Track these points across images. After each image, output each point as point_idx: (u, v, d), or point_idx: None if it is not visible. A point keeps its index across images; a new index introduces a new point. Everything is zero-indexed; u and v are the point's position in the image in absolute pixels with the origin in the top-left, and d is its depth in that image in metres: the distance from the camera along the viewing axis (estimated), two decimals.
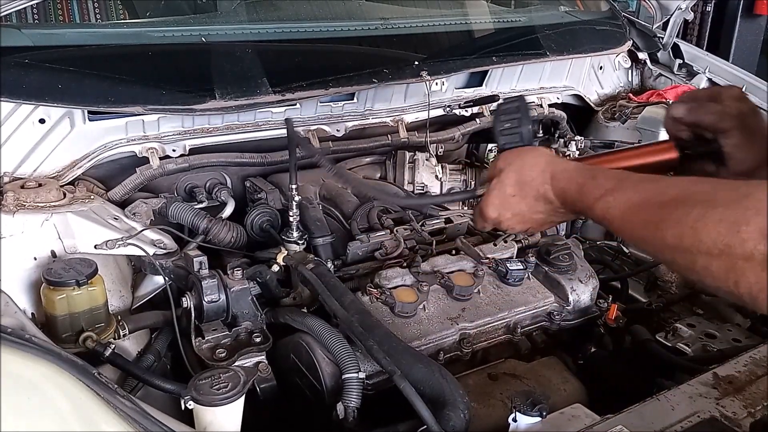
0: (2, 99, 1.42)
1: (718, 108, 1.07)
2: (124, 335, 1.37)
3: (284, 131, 1.71)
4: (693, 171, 1.13)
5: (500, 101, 1.23)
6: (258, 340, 1.38)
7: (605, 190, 0.97)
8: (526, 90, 2.27)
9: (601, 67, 2.46)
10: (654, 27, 2.52)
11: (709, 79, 2.41)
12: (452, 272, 1.61)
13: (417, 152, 2.00)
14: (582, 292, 1.66)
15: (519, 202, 1.12)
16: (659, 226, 0.85)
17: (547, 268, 1.69)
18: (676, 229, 0.82)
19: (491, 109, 2.16)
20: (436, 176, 1.99)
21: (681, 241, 0.81)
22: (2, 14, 1.38)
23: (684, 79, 2.47)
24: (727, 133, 1.07)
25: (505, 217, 1.15)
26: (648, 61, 2.54)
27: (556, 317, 1.61)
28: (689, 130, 1.12)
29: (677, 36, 2.51)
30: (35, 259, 1.35)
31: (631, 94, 2.44)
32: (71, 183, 1.57)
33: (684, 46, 2.53)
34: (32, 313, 1.31)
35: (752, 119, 1.07)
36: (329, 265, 1.57)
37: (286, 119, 1.56)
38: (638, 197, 0.92)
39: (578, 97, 2.41)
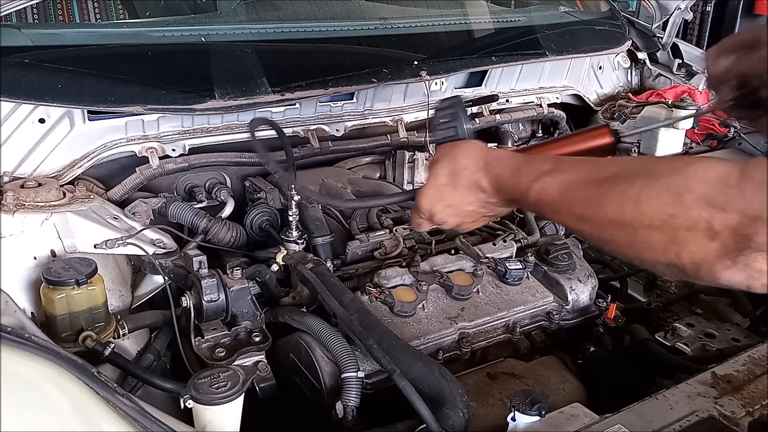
0: (2, 99, 1.43)
1: (758, 61, 1.03)
2: (123, 334, 1.37)
3: (284, 131, 1.72)
4: (736, 118, 1.10)
5: (438, 101, 1.25)
6: (257, 339, 1.38)
7: (541, 172, 0.95)
8: (526, 90, 2.28)
9: (600, 67, 2.46)
10: (653, 27, 2.52)
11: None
12: (451, 272, 1.61)
13: (416, 152, 2.00)
14: (581, 291, 1.66)
15: (452, 192, 1.09)
16: (599, 201, 0.84)
17: (546, 268, 1.69)
18: (618, 202, 0.81)
19: (490, 108, 2.17)
20: None
21: (622, 214, 0.80)
22: (2, 14, 1.38)
23: (683, 79, 2.47)
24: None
25: (437, 209, 1.12)
26: (647, 61, 2.55)
27: (555, 317, 1.62)
28: (735, 80, 1.08)
29: (677, 36, 2.51)
30: (35, 258, 1.35)
31: (630, 94, 2.45)
32: (71, 182, 1.57)
33: (683, 46, 2.53)
34: (32, 313, 1.32)
35: None
36: (329, 264, 1.57)
37: (251, 120, 1.55)
38: (577, 176, 0.90)
39: (578, 96, 2.41)
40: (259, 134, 1.75)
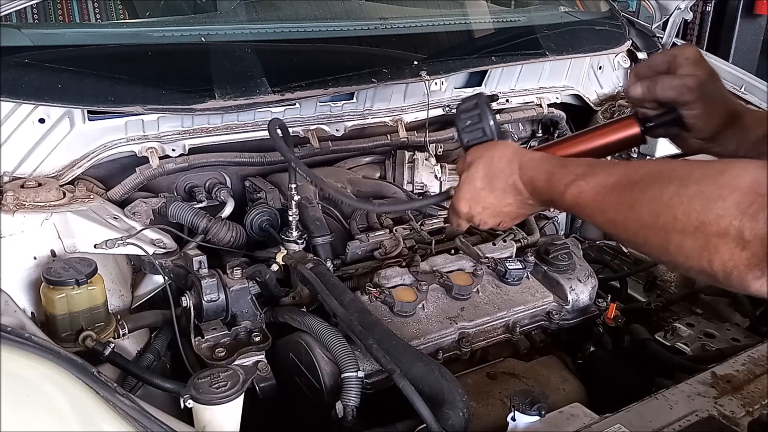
0: (2, 99, 1.42)
1: (676, 82, 1.08)
2: (123, 334, 1.37)
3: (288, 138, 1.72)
4: (658, 137, 1.14)
5: (459, 102, 1.23)
6: (257, 339, 1.38)
7: (575, 176, 0.96)
8: (526, 90, 2.27)
9: (600, 67, 2.46)
10: (653, 27, 2.52)
11: None
12: (451, 272, 1.62)
13: (416, 152, 2.00)
14: (581, 291, 1.67)
15: (489, 195, 1.11)
16: (633, 206, 0.85)
17: (546, 268, 1.69)
18: (651, 207, 0.82)
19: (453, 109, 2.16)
20: (436, 176, 1.99)
21: (656, 219, 0.81)
22: (2, 14, 1.38)
23: None
24: (689, 105, 1.08)
25: (476, 211, 1.14)
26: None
27: (555, 317, 1.62)
28: (651, 105, 1.13)
29: (677, 36, 2.51)
30: (35, 258, 1.35)
31: None
32: (71, 182, 1.57)
33: None
34: (32, 313, 1.32)
35: (711, 86, 1.08)
36: (328, 264, 1.57)
37: (270, 120, 1.55)
38: (611, 179, 0.91)
39: (577, 96, 2.41)
40: (259, 134, 1.77)
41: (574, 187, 0.95)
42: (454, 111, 2.08)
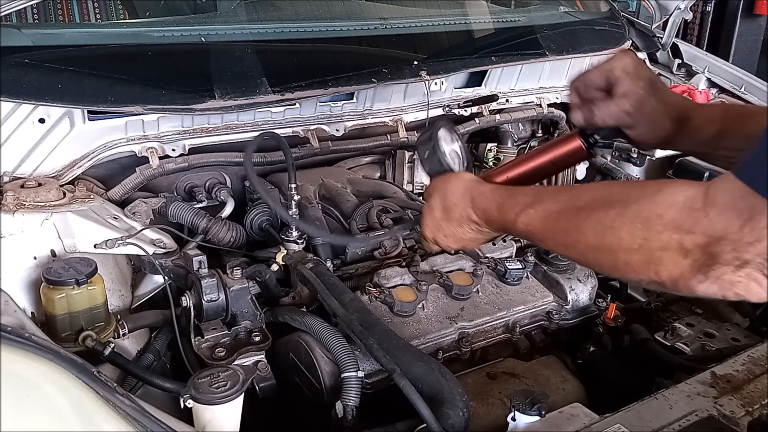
0: (2, 99, 1.43)
1: (612, 109, 1.10)
2: (123, 334, 1.37)
3: (283, 131, 1.72)
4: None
5: (420, 133, 1.30)
6: (257, 339, 1.38)
7: (524, 205, 1.02)
8: (526, 90, 2.28)
9: None
10: (653, 27, 2.52)
11: (708, 79, 2.41)
12: (451, 271, 1.62)
13: (416, 152, 2.00)
14: (581, 291, 1.67)
15: (447, 224, 1.18)
16: (580, 229, 0.90)
17: (545, 268, 1.69)
18: (596, 230, 0.87)
19: (490, 108, 2.16)
20: None
21: (602, 240, 0.86)
22: (2, 14, 1.38)
23: (683, 79, 2.47)
24: (630, 127, 1.11)
25: (439, 238, 1.21)
26: (647, 61, 2.54)
27: (555, 316, 1.62)
28: (593, 129, 1.16)
29: (677, 36, 2.51)
30: (35, 258, 1.35)
31: None
32: (71, 182, 1.57)
33: (683, 46, 2.53)
34: (32, 312, 1.32)
35: (651, 101, 1.10)
36: (328, 264, 1.57)
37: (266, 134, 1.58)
38: (556, 206, 0.97)
39: None
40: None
41: (523, 215, 1.01)
42: (453, 111, 2.10)
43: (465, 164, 1.28)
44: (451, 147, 1.25)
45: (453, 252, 1.65)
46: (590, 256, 0.90)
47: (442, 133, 1.25)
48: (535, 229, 1.00)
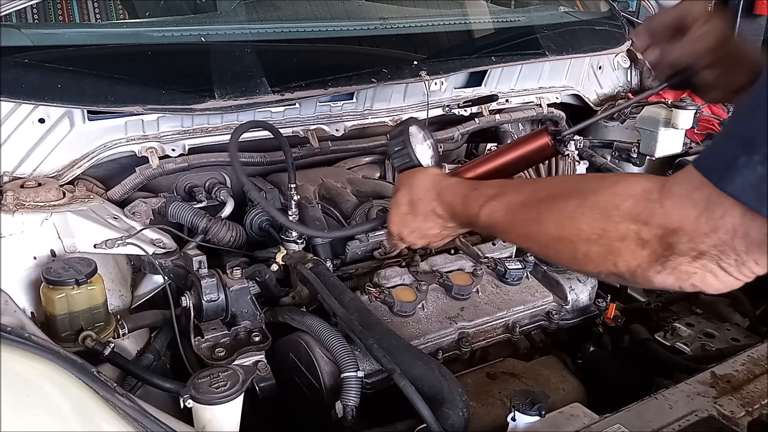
0: (2, 99, 1.43)
1: (687, 48, 1.07)
2: (123, 334, 1.37)
3: (283, 131, 1.72)
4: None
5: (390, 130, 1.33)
6: (257, 339, 1.38)
7: (488, 197, 1.03)
8: (526, 90, 2.27)
9: (600, 67, 2.46)
10: None
11: None
12: (451, 271, 1.62)
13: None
14: (581, 291, 1.67)
15: (413, 219, 1.19)
16: (540, 220, 0.91)
17: (545, 267, 1.69)
18: (557, 220, 0.88)
19: (490, 108, 2.16)
20: None
21: (562, 231, 0.87)
22: (2, 14, 1.38)
23: None
24: (708, 67, 1.08)
25: (405, 234, 1.22)
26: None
27: (555, 316, 1.62)
28: (666, 68, 1.14)
29: None
30: (35, 258, 1.35)
31: (630, 94, 2.44)
32: (71, 182, 1.57)
33: None
34: (32, 312, 1.32)
35: (731, 45, 1.07)
36: (328, 264, 1.57)
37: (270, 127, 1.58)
38: (519, 198, 0.98)
39: (577, 96, 2.41)
40: (258, 134, 1.77)
41: (487, 207, 1.02)
42: (454, 111, 2.09)
43: (435, 162, 1.30)
44: (422, 144, 1.28)
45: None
46: (551, 247, 0.91)
47: (414, 130, 1.28)
48: (497, 221, 1.00)
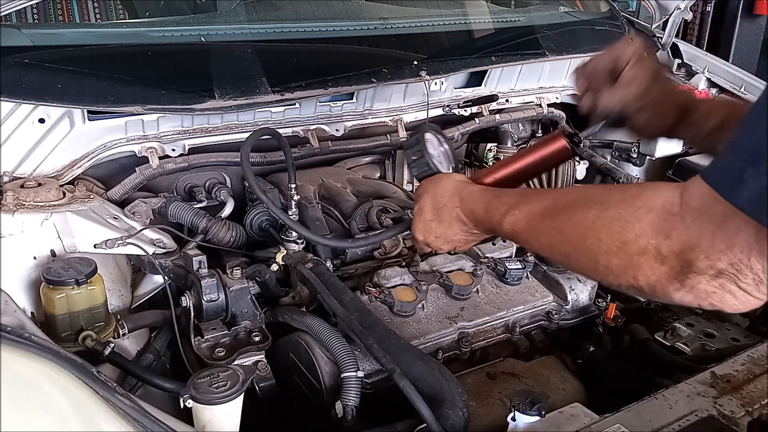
0: (2, 99, 1.42)
1: (619, 95, 1.11)
2: (123, 334, 1.37)
3: (283, 131, 1.72)
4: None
5: (405, 139, 1.33)
6: (257, 339, 1.38)
7: (509, 206, 1.03)
8: (526, 90, 2.27)
9: None
10: (653, 27, 2.51)
11: (708, 79, 2.41)
12: (451, 271, 1.62)
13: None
14: (581, 291, 1.67)
15: (438, 225, 1.19)
16: (562, 230, 0.91)
17: (545, 267, 1.69)
18: (578, 230, 0.87)
19: (490, 108, 2.16)
20: None
21: (583, 242, 0.86)
22: (2, 14, 1.38)
23: (683, 79, 2.47)
24: (636, 112, 1.12)
25: (430, 239, 1.23)
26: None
27: (555, 316, 1.62)
28: (600, 114, 1.18)
29: (676, 36, 2.51)
30: (35, 258, 1.35)
31: None
32: (71, 182, 1.57)
33: (683, 46, 2.53)
34: (32, 312, 1.32)
35: (657, 88, 1.11)
36: (328, 264, 1.57)
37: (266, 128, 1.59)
38: (540, 207, 0.98)
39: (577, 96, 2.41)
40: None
41: (509, 216, 1.02)
42: (454, 111, 2.09)
43: (453, 166, 1.30)
44: (438, 150, 1.28)
45: (452, 252, 1.66)
46: (572, 257, 0.91)
47: (429, 137, 1.28)
48: (520, 229, 1.01)
